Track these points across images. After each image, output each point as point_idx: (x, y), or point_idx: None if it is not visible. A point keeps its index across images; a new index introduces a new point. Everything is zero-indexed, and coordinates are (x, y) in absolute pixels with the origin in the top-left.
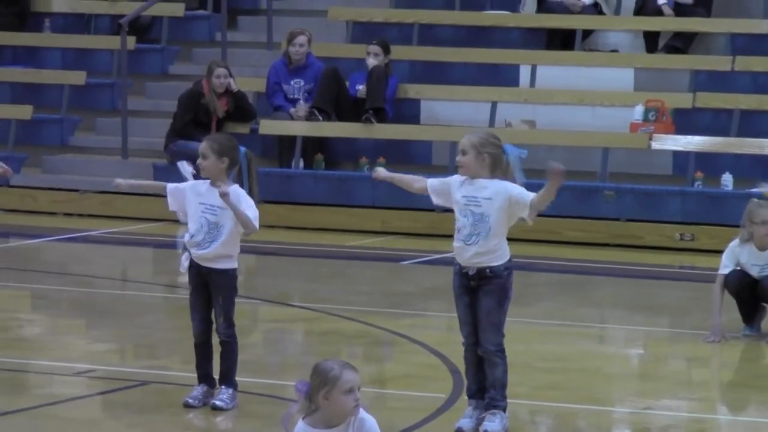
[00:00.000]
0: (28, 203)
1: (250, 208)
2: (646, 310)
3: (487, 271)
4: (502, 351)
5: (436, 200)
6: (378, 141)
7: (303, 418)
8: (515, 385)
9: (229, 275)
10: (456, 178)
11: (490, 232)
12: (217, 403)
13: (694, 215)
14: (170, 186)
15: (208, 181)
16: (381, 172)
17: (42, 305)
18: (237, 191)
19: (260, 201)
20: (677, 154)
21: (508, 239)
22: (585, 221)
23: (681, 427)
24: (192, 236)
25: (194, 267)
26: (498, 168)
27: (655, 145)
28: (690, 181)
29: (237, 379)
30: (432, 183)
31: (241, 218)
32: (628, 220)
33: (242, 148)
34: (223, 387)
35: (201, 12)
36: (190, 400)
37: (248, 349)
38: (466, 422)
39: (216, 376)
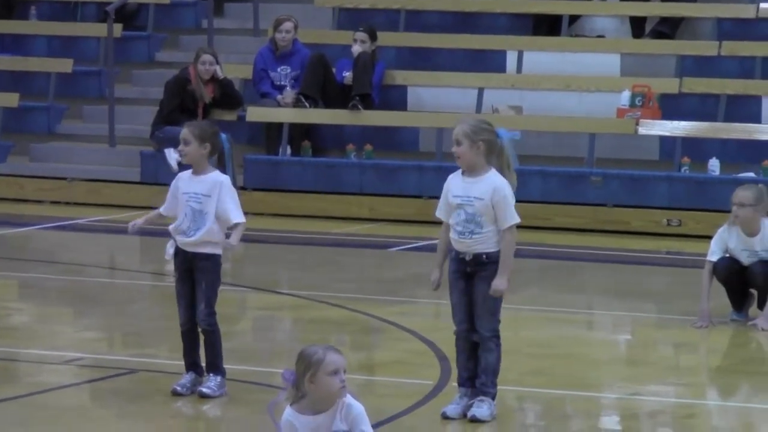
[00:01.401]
0: (15, 191)
1: (232, 200)
2: (633, 296)
3: (484, 257)
4: (497, 337)
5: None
6: (365, 127)
7: (290, 405)
8: (503, 371)
9: (214, 260)
10: (450, 180)
11: (483, 227)
12: (204, 390)
13: (681, 200)
14: (164, 208)
15: (190, 170)
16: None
17: (30, 294)
18: (218, 180)
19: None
20: (664, 140)
21: None
22: (572, 207)
23: (669, 413)
24: (178, 224)
25: (180, 254)
26: (492, 153)
27: (642, 130)
28: (677, 167)
29: (225, 366)
30: (441, 213)
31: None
32: (615, 206)
33: (223, 135)
34: (210, 375)
35: None
36: (178, 388)
37: (236, 336)
38: (452, 408)
39: (203, 364)
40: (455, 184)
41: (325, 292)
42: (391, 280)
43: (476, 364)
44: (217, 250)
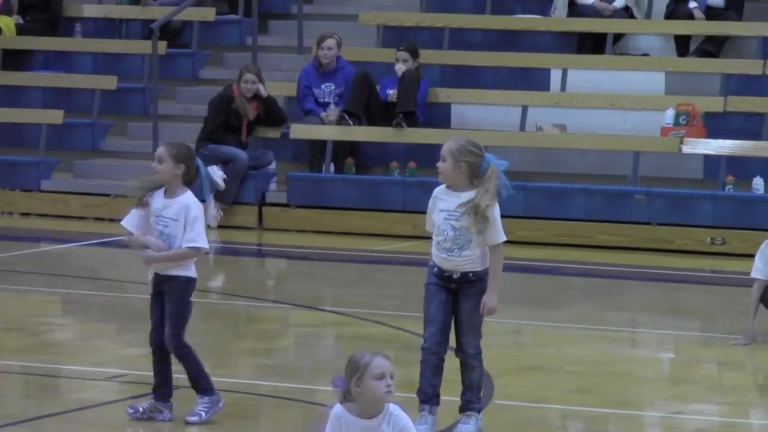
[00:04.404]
0: (59, 208)
1: (193, 227)
2: (677, 314)
3: (470, 275)
4: (480, 353)
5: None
6: (409, 145)
7: (341, 403)
8: (546, 389)
9: (179, 282)
10: (437, 192)
11: (472, 243)
12: (189, 418)
13: (725, 219)
14: (125, 222)
15: (162, 193)
16: None
17: (73, 310)
18: (185, 204)
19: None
20: (708, 158)
21: (539, 243)
22: (616, 225)
23: None
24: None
25: (154, 274)
26: (477, 177)
27: (686, 149)
28: (721, 185)
29: (267, 383)
30: (429, 227)
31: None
32: (659, 224)
33: (198, 159)
34: (197, 397)
35: (232, 16)
36: (131, 411)
37: (278, 353)
38: (423, 429)
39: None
40: (441, 199)
41: (367, 309)
42: None
43: (440, 381)
44: (186, 272)
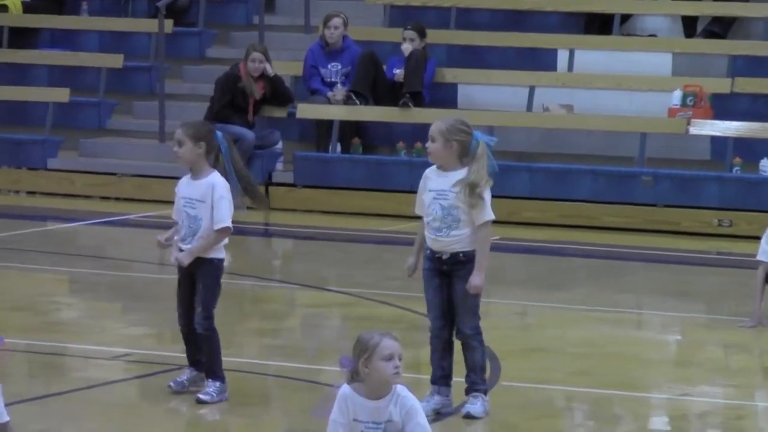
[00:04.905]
0: (65, 186)
1: (220, 205)
2: (683, 296)
3: (461, 255)
4: (479, 334)
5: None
6: (415, 125)
7: (348, 383)
8: (550, 370)
9: (213, 264)
10: (428, 172)
11: (461, 222)
12: (201, 396)
13: (732, 201)
14: (174, 214)
15: (189, 175)
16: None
17: (79, 289)
18: (210, 183)
19: (257, 182)
20: (715, 140)
21: (545, 224)
22: (622, 207)
23: (718, 414)
24: (178, 230)
25: None
26: (467, 155)
27: (693, 130)
28: (728, 167)
29: (273, 363)
30: (418, 209)
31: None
32: (666, 206)
33: (218, 133)
34: (209, 380)
35: None
36: (172, 384)
37: (284, 333)
38: (423, 405)
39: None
40: (431, 180)
41: (373, 290)
42: None
43: (450, 362)
44: (217, 254)
